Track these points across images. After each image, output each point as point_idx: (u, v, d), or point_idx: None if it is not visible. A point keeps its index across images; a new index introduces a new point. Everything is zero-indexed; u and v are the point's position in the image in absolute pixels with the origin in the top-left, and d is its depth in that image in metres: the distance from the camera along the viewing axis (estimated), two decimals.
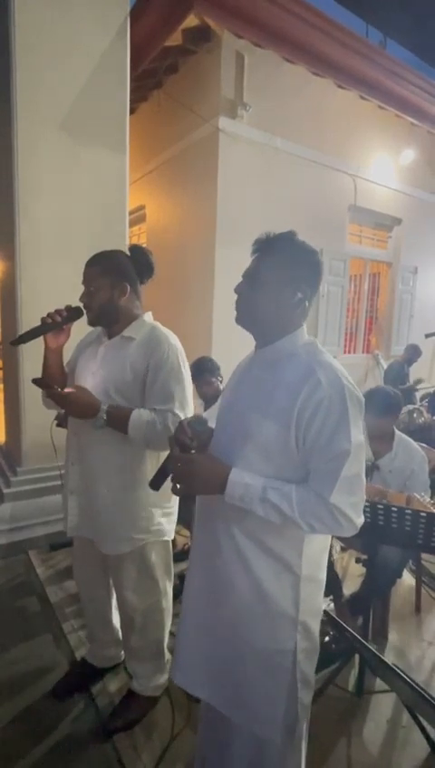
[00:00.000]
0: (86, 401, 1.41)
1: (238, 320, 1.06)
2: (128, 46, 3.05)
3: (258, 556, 1.00)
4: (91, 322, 1.53)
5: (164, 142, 4.95)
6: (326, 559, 1.11)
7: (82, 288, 1.50)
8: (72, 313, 1.53)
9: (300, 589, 1.01)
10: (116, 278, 1.48)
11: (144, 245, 1.68)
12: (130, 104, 3.21)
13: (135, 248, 1.58)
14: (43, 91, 2.80)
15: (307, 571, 1.02)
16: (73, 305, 1.53)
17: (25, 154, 2.79)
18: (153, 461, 1.50)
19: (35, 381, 1.50)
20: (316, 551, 1.05)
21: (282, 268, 1.01)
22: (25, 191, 2.82)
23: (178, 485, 0.99)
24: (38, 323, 1.51)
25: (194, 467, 0.98)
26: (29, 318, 2.85)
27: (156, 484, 1.13)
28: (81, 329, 1.64)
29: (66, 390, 1.42)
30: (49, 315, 1.50)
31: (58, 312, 1.51)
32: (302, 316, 1.04)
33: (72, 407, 1.42)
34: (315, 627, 1.07)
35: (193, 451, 1.07)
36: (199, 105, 4.32)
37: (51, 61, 2.79)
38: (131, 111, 3.36)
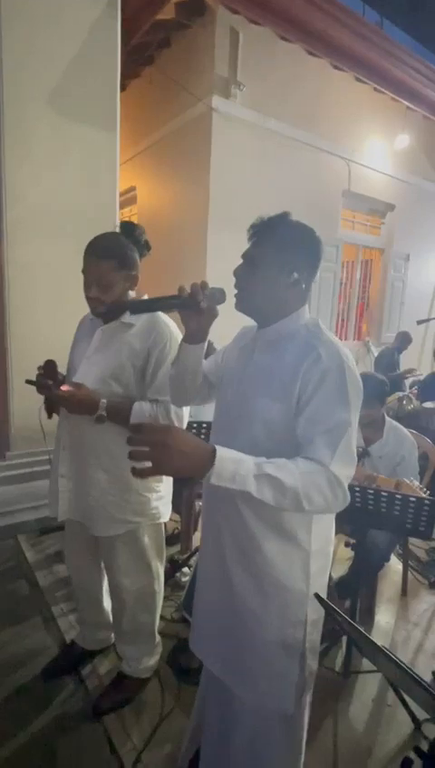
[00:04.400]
0: (86, 400, 1.38)
1: (238, 305, 1.05)
2: (119, 18, 2.96)
3: (268, 535, 1.00)
4: (99, 316, 1.48)
5: (155, 121, 4.85)
6: (333, 531, 1.12)
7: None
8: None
9: (310, 564, 1.03)
10: (128, 270, 1.44)
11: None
12: (121, 81, 3.13)
13: (129, 226, 1.51)
14: (30, 64, 2.71)
15: (317, 546, 1.04)
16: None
17: (12, 131, 2.72)
18: None
19: (30, 382, 1.43)
20: (325, 525, 1.06)
21: (277, 250, 1.00)
22: (12, 170, 2.75)
23: (152, 464, 0.79)
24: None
25: (171, 439, 0.79)
26: (16, 300, 2.80)
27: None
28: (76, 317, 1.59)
29: (65, 390, 1.37)
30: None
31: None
32: (299, 297, 1.04)
33: (72, 407, 1.39)
34: (324, 597, 1.09)
35: (202, 306, 0.99)
36: (192, 83, 4.22)
37: (38, 33, 2.70)
38: (122, 88, 3.27)
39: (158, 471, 0.80)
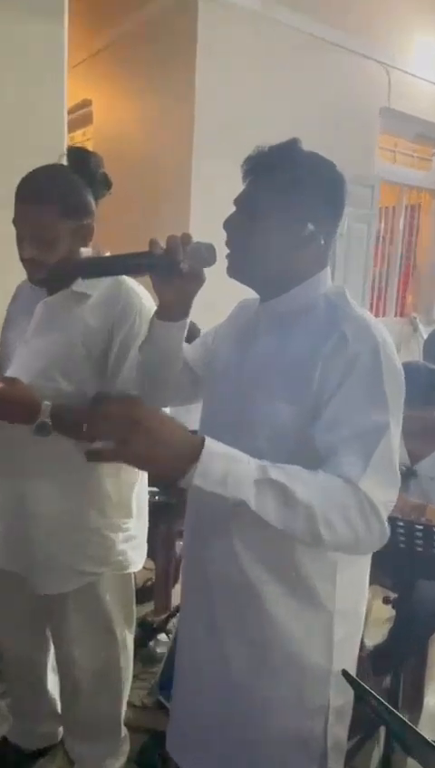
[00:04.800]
0: (23, 402, 1.36)
1: (231, 270, 1.05)
2: None
3: (274, 586, 1.00)
4: (40, 284, 1.47)
5: (119, 8, 4.81)
6: (367, 585, 1.12)
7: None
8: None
9: (334, 628, 1.02)
10: (78, 218, 1.41)
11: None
12: None
13: (79, 155, 1.49)
14: None
15: (343, 604, 1.03)
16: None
17: None
18: (112, 468, 1.47)
19: None
20: (356, 573, 1.06)
21: (283, 193, 0.99)
22: None
23: (115, 445, 0.79)
24: None
25: (141, 413, 0.80)
26: None
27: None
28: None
29: None
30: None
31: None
32: (317, 257, 1.04)
33: (2, 412, 1.36)
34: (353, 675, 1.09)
35: (183, 269, 0.99)
36: None
37: None
38: None
39: (121, 455, 0.81)
